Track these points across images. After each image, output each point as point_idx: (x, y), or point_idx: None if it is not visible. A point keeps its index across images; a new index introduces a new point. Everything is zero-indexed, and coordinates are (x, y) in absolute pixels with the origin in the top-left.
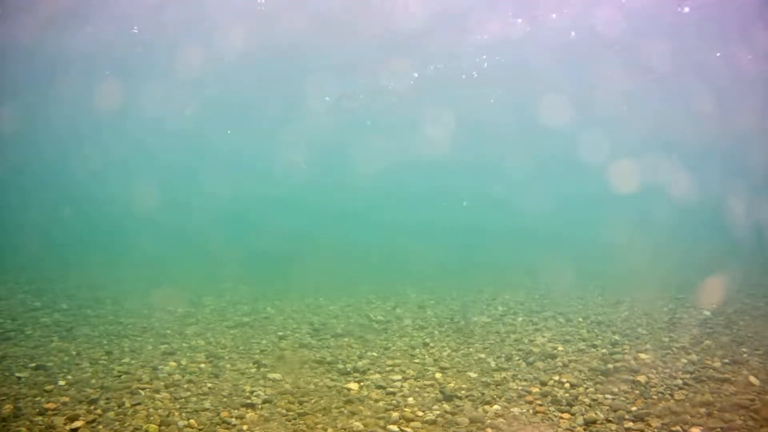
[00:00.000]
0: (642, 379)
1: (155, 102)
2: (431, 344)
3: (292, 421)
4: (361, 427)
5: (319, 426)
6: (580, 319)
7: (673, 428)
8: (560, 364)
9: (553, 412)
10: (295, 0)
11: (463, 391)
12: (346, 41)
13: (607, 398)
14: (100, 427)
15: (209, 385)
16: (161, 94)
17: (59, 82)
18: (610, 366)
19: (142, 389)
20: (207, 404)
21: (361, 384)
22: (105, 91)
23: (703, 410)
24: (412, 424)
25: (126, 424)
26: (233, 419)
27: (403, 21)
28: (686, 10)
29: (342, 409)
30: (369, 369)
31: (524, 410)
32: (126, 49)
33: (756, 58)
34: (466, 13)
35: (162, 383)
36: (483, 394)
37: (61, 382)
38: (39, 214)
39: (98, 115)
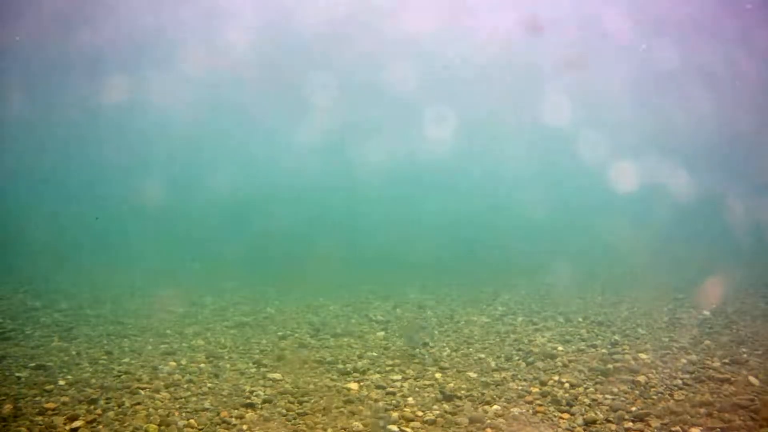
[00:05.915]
0: (642, 379)
1: (158, 99)
2: (431, 344)
3: (292, 421)
4: (361, 427)
5: (319, 426)
6: (580, 319)
7: (673, 428)
8: (560, 364)
9: (553, 412)
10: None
11: (462, 391)
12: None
13: (606, 398)
14: (100, 426)
15: (209, 384)
16: (165, 91)
17: (59, 81)
18: (610, 366)
19: (142, 389)
20: (207, 404)
21: (361, 384)
22: (105, 89)
23: (702, 410)
24: (412, 424)
25: (126, 424)
26: (233, 419)
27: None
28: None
29: (342, 409)
30: (369, 369)
31: (524, 410)
32: (132, 46)
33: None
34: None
35: (162, 383)
36: (483, 394)
37: (61, 382)
38: (39, 214)
39: (98, 113)
